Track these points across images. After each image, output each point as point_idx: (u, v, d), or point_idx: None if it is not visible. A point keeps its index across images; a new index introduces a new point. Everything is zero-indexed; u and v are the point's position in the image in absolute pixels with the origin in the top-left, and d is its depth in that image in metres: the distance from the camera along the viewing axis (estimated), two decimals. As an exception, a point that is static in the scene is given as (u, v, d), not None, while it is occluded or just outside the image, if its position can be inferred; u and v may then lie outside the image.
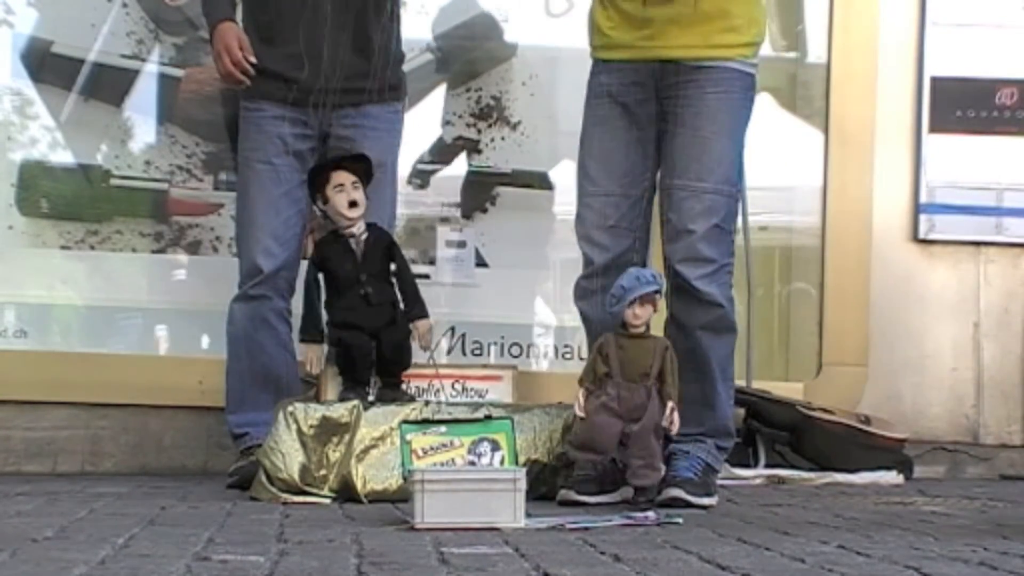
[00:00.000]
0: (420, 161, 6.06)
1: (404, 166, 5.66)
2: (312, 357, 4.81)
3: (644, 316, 4.36)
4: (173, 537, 3.43)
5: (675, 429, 4.36)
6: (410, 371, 4.85)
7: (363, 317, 4.77)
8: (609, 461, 4.42)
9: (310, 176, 4.89)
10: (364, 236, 4.81)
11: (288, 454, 4.59)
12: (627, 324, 4.36)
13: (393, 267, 4.85)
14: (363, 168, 4.84)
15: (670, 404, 4.34)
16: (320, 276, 4.82)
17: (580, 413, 4.37)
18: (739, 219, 4.87)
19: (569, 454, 4.46)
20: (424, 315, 4.84)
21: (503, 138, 6.10)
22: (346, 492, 4.55)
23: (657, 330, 4.57)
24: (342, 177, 4.78)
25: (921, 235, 6.21)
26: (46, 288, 6.01)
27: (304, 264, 5.24)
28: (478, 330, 5.97)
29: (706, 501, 4.44)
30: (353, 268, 4.78)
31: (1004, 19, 6.21)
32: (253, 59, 5.03)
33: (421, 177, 6.06)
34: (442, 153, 6.09)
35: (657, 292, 4.38)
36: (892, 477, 5.62)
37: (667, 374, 4.36)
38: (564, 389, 5.18)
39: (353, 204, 4.78)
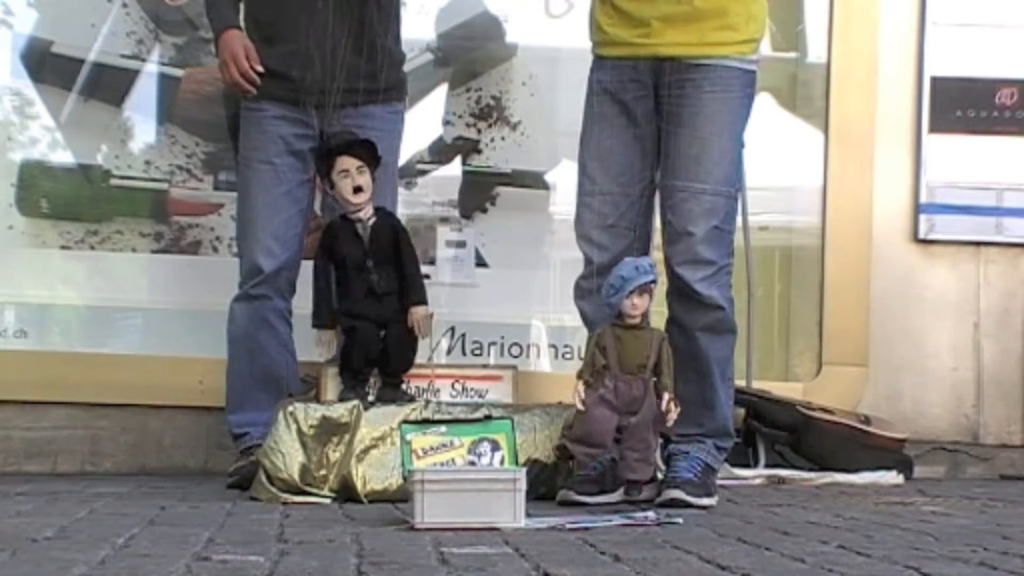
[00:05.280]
0: (420, 161, 6.06)
1: (404, 166, 5.66)
2: (326, 340, 4.80)
3: (642, 306, 4.36)
4: (173, 537, 3.43)
5: (672, 420, 4.36)
6: (410, 371, 4.85)
7: (371, 308, 4.76)
8: (609, 460, 4.42)
9: (317, 160, 4.86)
10: (371, 221, 4.79)
11: (288, 454, 4.59)
12: (624, 315, 4.35)
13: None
14: (369, 153, 4.81)
15: (667, 395, 4.35)
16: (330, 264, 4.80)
17: (580, 406, 4.36)
18: (739, 219, 4.87)
19: (567, 447, 4.43)
20: (422, 301, 4.80)
21: (503, 138, 6.09)
22: (346, 492, 4.54)
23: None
24: (347, 163, 4.76)
25: (921, 235, 6.20)
26: (46, 288, 6.01)
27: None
28: (478, 330, 5.97)
29: (706, 501, 4.44)
30: (360, 254, 4.77)
31: (1004, 19, 6.21)
32: (260, 68, 5.04)
33: (421, 177, 6.06)
34: (442, 153, 6.09)
35: (653, 282, 4.38)
36: (892, 477, 5.61)
37: (663, 365, 4.36)
38: (564, 389, 5.17)
39: (358, 189, 4.76)
